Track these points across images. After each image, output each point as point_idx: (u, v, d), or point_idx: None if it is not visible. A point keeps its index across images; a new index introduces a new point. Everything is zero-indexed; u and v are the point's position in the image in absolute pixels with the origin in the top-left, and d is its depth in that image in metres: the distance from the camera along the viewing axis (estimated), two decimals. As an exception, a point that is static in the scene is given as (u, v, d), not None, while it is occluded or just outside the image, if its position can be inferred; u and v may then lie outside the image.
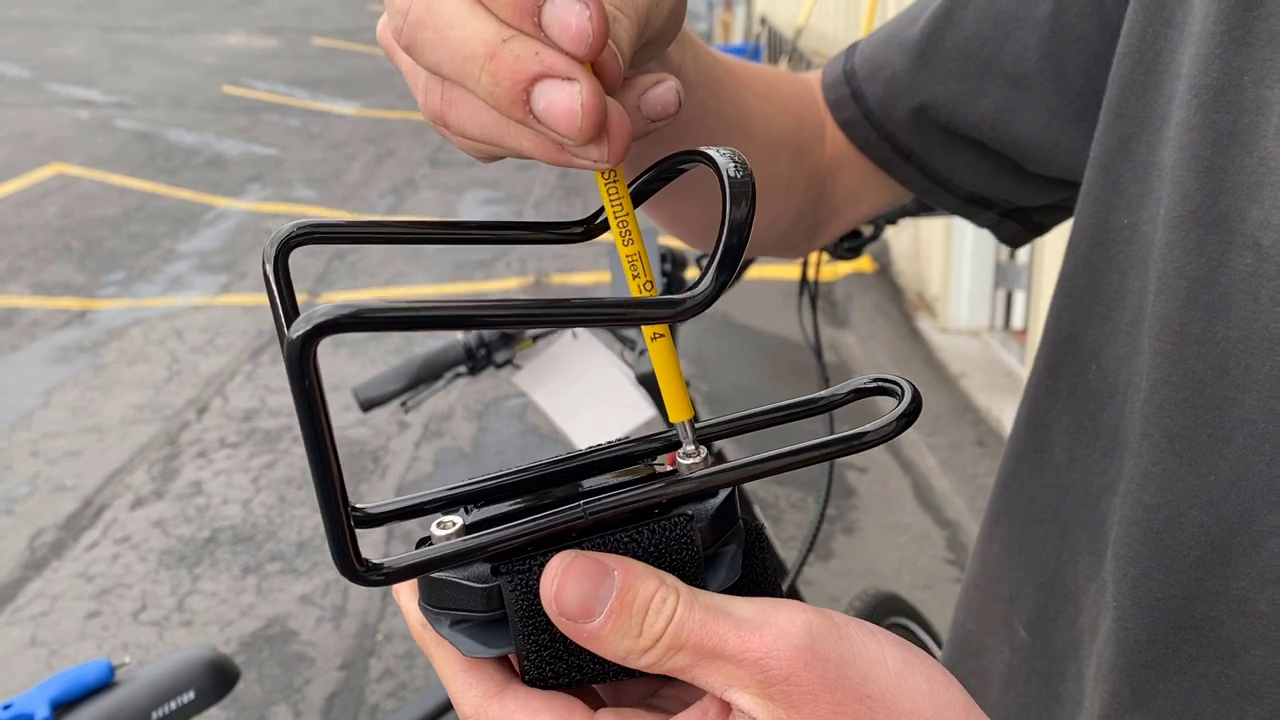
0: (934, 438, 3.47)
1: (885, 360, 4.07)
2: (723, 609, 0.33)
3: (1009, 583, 0.59)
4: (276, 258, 0.34)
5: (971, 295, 4.15)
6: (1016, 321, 4.13)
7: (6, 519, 3.17)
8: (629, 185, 0.38)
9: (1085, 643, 0.52)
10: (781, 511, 3.13)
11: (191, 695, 1.07)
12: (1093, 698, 0.50)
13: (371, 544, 2.86)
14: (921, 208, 1.30)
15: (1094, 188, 0.52)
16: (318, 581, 2.87)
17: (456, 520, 0.35)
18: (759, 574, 0.37)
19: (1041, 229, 0.70)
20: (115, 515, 3.19)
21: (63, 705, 1.03)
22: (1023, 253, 4.03)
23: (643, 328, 0.35)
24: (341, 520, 0.31)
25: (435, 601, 0.34)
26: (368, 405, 1.47)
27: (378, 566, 0.32)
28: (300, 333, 0.28)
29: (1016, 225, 0.69)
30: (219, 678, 1.10)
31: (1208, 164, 0.43)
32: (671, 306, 0.32)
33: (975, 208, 0.68)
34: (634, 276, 0.36)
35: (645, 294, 0.35)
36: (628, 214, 0.36)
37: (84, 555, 3.00)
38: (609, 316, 0.33)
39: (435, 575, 0.34)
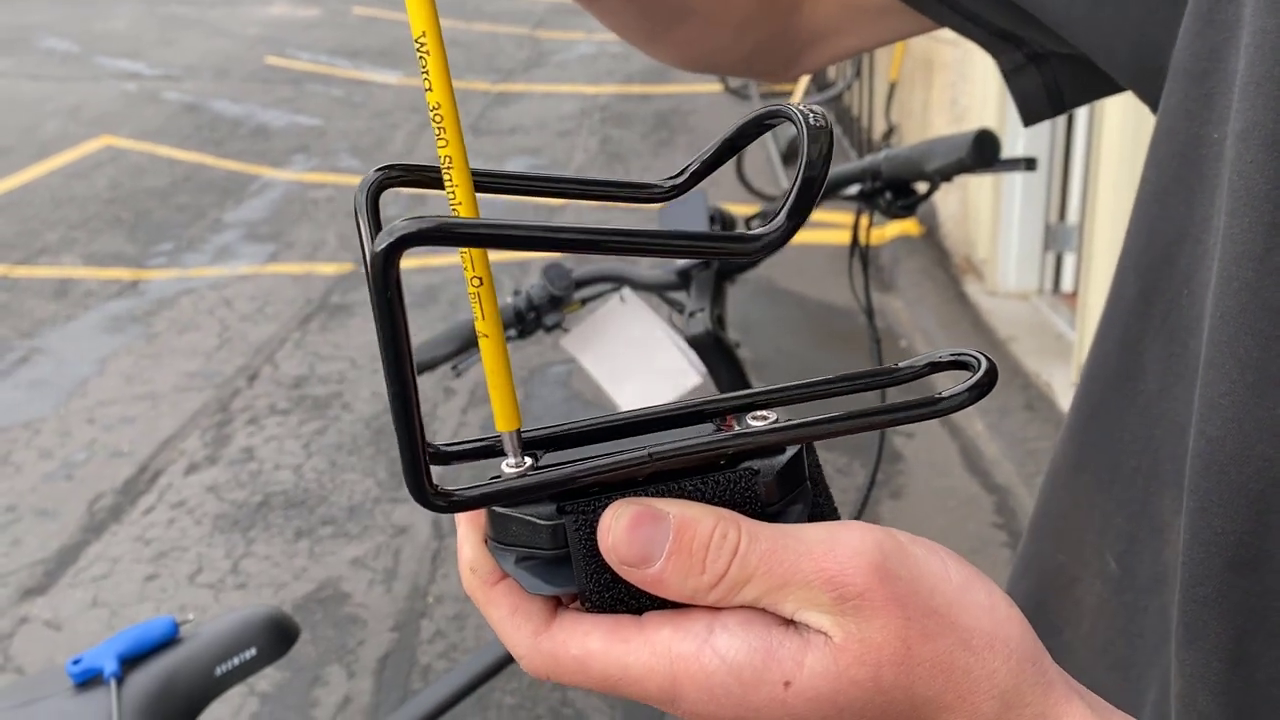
0: (982, 402, 3.43)
1: (932, 325, 4.03)
2: (789, 534, 0.33)
3: (1101, 514, 0.59)
4: (368, 203, 0.34)
5: (1020, 258, 4.08)
6: (1066, 285, 4.07)
7: (66, 484, 3.25)
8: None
9: (1169, 579, 0.51)
10: (828, 476, 3.11)
11: (253, 652, 1.09)
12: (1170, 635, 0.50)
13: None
14: (978, 163, 1.27)
15: (1185, 100, 0.50)
16: (369, 545, 2.91)
17: (527, 461, 0.36)
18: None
19: (1060, 100, 0.67)
20: (170, 480, 3.25)
21: (130, 660, 1.06)
22: (1073, 214, 3.96)
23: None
24: (416, 440, 0.32)
25: (502, 537, 0.36)
26: (420, 369, 1.48)
27: (448, 493, 0.33)
28: (384, 245, 0.29)
29: (1037, 79, 0.67)
30: (280, 635, 1.12)
31: None
32: (747, 242, 0.33)
33: (1004, 43, 0.66)
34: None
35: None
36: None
37: (141, 519, 3.06)
38: (685, 248, 0.34)
39: (503, 511, 0.35)
